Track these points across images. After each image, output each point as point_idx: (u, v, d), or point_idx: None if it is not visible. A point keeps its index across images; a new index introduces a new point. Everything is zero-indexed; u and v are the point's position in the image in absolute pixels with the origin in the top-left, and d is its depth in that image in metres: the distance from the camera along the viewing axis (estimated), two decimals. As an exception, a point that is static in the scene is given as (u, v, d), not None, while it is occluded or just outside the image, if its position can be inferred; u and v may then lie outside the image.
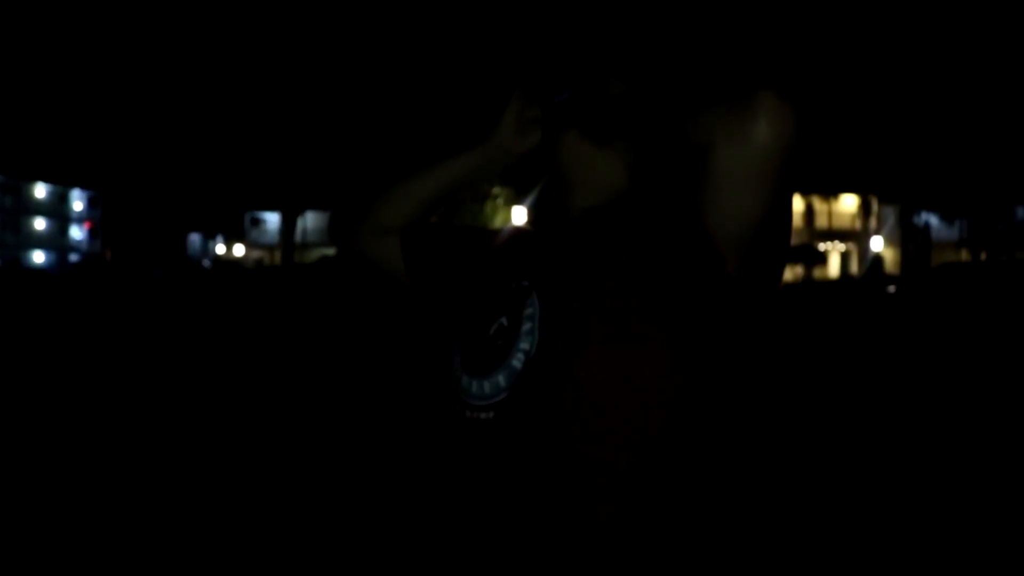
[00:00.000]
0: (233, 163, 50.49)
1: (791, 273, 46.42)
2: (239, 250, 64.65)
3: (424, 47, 38.22)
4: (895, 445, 6.40)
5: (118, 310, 20.37)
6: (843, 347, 13.47)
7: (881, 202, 51.00)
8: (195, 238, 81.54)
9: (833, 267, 49.87)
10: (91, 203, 70.69)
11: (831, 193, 49.70)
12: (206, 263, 63.66)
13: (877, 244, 48.82)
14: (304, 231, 53.33)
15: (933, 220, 50.38)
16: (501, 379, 1.10)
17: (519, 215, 35.28)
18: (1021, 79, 43.59)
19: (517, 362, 1.10)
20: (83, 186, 69.04)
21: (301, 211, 50.25)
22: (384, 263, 1.38)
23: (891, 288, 33.45)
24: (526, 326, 1.11)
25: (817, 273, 47.08)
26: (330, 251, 46.03)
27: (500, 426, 1.10)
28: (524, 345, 1.10)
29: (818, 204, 50.03)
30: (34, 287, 29.43)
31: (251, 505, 4.70)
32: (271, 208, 56.23)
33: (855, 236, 51.17)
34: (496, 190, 37.75)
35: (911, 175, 46.77)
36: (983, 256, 48.30)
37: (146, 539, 4.12)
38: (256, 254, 61.00)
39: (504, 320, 1.14)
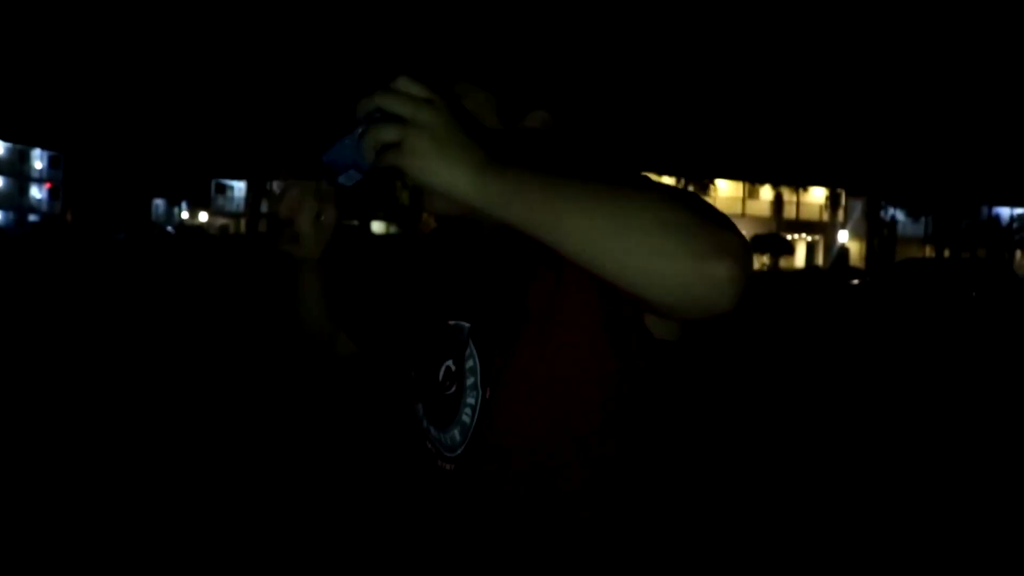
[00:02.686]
0: (201, 129, 49.71)
1: (758, 262, 46.75)
2: (204, 217, 63.78)
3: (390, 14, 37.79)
4: (857, 434, 6.35)
5: (78, 272, 19.93)
6: (806, 337, 13.52)
7: (849, 195, 51.46)
8: (159, 203, 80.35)
9: (799, 258, 50.29)
10: (51, 163, 69.20)
11: (800, 185, 50.04)
12: (169, 229, 62.75)
13: (843, 236, 49.29)
14: (270, 199, 52.68)
15: (900, 215, 50.96)
16: (456, 433, 1.11)
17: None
18: (993, 80, 44.09)
19: (467, 417, 1.10)
20: (44, 146, 67.53)
21: (268, 180, 49.61)
22: (354, 352, 1.41)
23: (855, 280, 33.77)
24: (469, 380, 1.10)
25: (783, 263, 47.44)
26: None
27: (458, 479, 1.11)
28: (470, 400, 1.09)
29: (787, 195, 50.34)
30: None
31: (210, 467, 4.52)
32: (238, 176, 55.46)
33: (822, 228, 51.62)
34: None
35: (879, 170, 47.23)
36: (947, 253, 48.99)
37: (110, 513, 3.94)
38: (221, 222, 60.19)
39: (451, 363, 1.13)
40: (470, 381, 1.09)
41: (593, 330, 1.03)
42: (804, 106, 45.10)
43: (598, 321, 1.02)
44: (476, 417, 1.09)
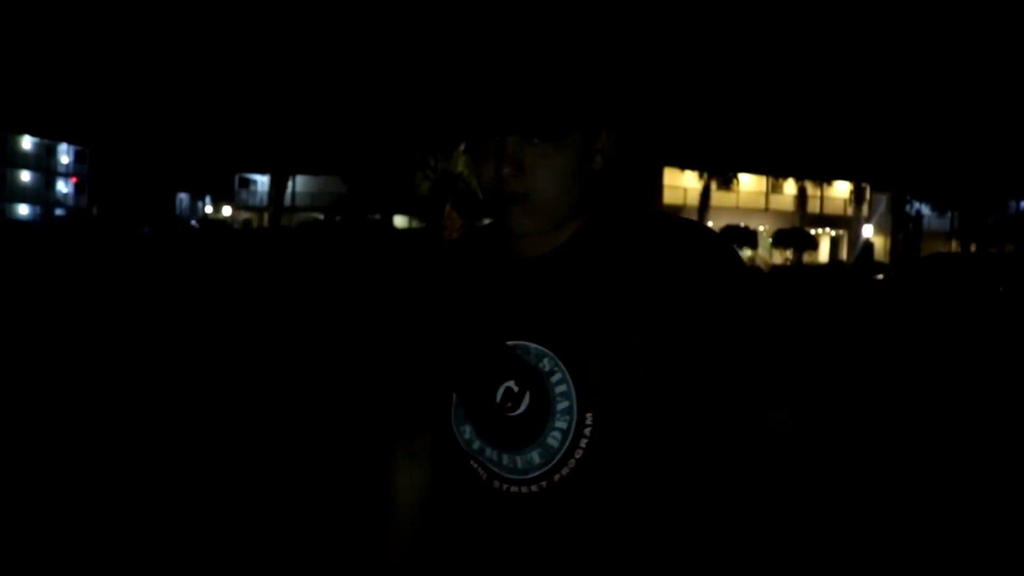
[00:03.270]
0: (224, 123, 49.96)
1: (780, 256, 46.40)
2: (227, 211, 64.09)
3: (413, 17, 37.78)
4: (880, 429, 6.30)
5: (104, 266, 20.11)
6: (831, 331, 13.41)
7: (874, 189, 50.96)
8: (183, 197, 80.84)
9: (823, 252, 49.87)
10: (78, 157, 69.79)
11: (824, 179, 49.59)
12: (193, 223, 63.10)
13: (868, 231, 48.82)
14: (293, 194, 52.86)
15: (925, 210, 50.40)
16: (536, 456, 1.10)
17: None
18: (1017, 74, 43.51)
19: (554, 441, 1.10)
20: (71, 141, 68.11)
21: (291, 174, 49.78)
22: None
23: (880, 275, 33.47)
24: (562, 404, 1.10)
25: (807, 258, 47.08)
26: (318, 215, 45.71)
27: (545, 504, 1.11)
28: (560, 424, 1.10)
29: (811, 189, 49.90)
30: (18, 239, 29.06)
31: (229, 461, 4.55)
32: (261, 170, 55.66)
33: (846, 222, 51.15)
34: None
35: (905, 164, 46.73)
36: (973, 248, 48.44)
37: (122, 501, 3.98)
38: (244, 216, 60.46)
39: (512, 385, 1.12)
40: (562, 405, 1.10)
41: (684, 356, 1.11)
42: (828, 100, 44.72)
43: (687, 346, 1.11)
44: (569, 441, 1.09)
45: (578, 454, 1.09)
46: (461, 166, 37.35)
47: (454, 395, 1.17)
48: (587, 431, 1.09)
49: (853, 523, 4.07)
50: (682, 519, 1.13)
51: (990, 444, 5.82)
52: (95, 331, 9.21)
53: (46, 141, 65.93)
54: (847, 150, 45.85)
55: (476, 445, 1.14)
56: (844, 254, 50.41)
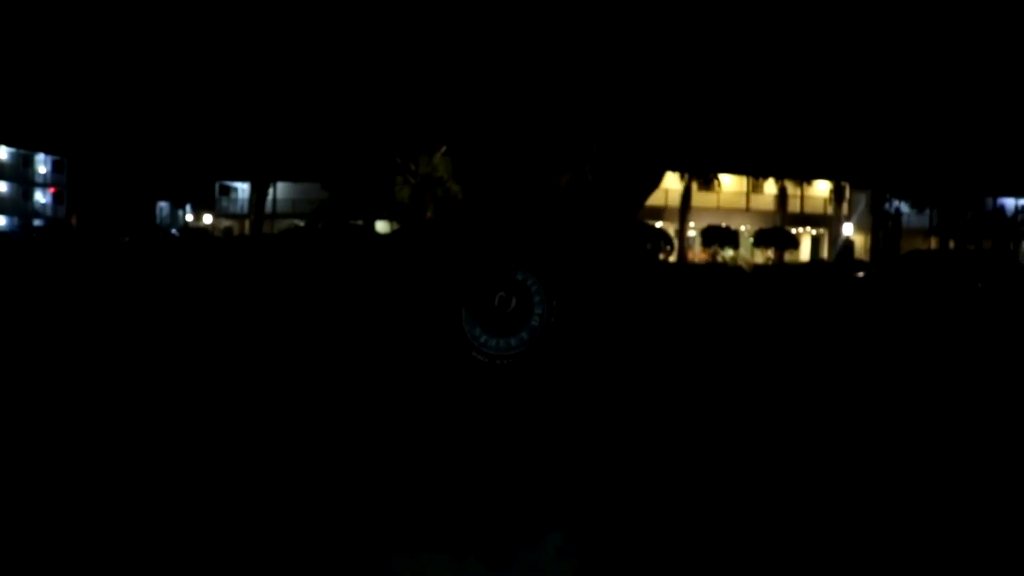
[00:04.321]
0: (204, 131, 49.71)
1: (762, 256, 46.62)
2: (208, 219, 63.79)
3: (395, 24, 37.74)
4: (863, 427, 6.34)
5: (85, 276, 19.97)
6: (813, 331, 13.49)
7: (853, 188, 51.33)
8: (163, 206, 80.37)
9: (804, 251, 50.18)
10: (55, 167, 69.27)
11: (804, 178, 49.90)
12: (174, 232, 62.73)
13: (848, 229, 49.16)
14: (274, 201, 52.65)
15: (904, 207, 50.81)
16: (525, 335, 1.52)
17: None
18: (995, 72, 43.95)
19: (536, 321, 1.53)
20: (48, 151, 67.59)
21: (271, 181, 49.57)
22: None
23: (860, 273, 33.71)
24: (536, 298, 1.54)
25: (788, 257, 47.34)
26: (299, 222, 45.52)
27: (526, 364, 1.52)
28: (538, 310, 1.54)
29: (791, 188, 50.20)
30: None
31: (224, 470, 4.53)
32: (241, 178, 55.42)
33: (827, 221, 51.49)
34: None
35: (883, 162, 47.10)
36: (952, 244, 48.87)
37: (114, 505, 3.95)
38: (225, 223, 60.19)
39: (503, 294, 1.54)
40: (536, 299, 1.53)
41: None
42: (808, 100, 45.00)
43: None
44: (544, 322, 1.53)
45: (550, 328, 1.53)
46: (442, 170, 37.32)
47: (463, 309, 1.56)
48: (554, 314, 1.53)
49: (836, 524, 4.10)
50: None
51: (972, 439, 5.87)
52: (79, 341, 9.15)
53: (23, 151, 65.39)
54: (827, 149, 46.16)
55: (482, 339, 1.54)
56: (825, 253, 50.75)
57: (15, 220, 63.55)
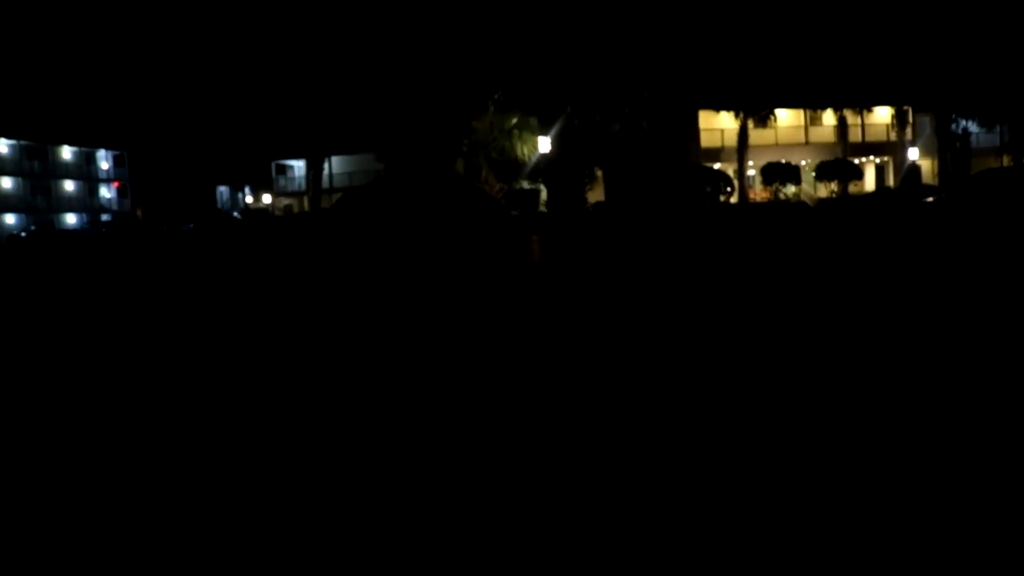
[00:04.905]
0: (256, 113, 50.26)
1: (826, 190, 45.53)
2: (267, 199, 64.70)
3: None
4: (933, 359, 6.12)
5: (155, 266, 20.43)
6: (879, 259, 13.12)
7: (916, 111, 49.59)
8: (223, 190, 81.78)
9: (869, 181, 48.77)
10: (116, 162, 70.88)
11: (864, 106, 48.31)
12: (236, 214, 63.82)
13: (913, 155, 47.61)
14: (331, 176, 53.13)
15: (972, 127, 48.95)
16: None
17: (544, 144, 34.75)
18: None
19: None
20: (108, 146, 69.15)
21: (326, 156, 49.98)
22: None
23: (930, 198, 32.68)
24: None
25: (853, 188, 46.11)
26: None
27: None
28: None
29: (851, 117, 48.67)
30: (67, 248, 29.66)
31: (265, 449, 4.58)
32: (296, 155, 56.00)
33: (890, 148, 49.90)
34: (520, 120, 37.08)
35: (947, 82, 45.35)
36: (1025, 160, 47.00)
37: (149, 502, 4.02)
38: (285, 202, 61.00)
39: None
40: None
41: None
42: (860, 23, 43.43)
43: None
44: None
45: None
46: (490, 133, 37.18)
47: None
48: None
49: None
50: None
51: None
52: (149, 332, 9.34)
53: (85, 149, 67.01)
54: (885, 73, 44.60)
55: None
56: (891, 181, 49.29)
57: (84, 217, 65.34)
